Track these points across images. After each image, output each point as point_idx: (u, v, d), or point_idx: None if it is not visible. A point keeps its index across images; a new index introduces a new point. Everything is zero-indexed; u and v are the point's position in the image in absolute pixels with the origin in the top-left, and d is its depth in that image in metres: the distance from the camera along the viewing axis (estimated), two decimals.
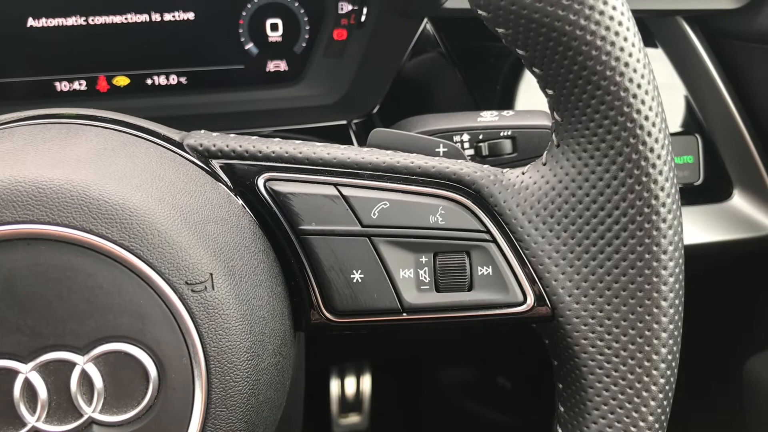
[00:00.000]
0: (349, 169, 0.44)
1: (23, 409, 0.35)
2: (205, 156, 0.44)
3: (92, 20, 0.76)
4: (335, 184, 0.43)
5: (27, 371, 0.35)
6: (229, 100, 0.81)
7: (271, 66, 0.82)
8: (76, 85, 0.78)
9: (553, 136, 0.43)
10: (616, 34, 0.39)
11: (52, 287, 0.35)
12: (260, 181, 0.43)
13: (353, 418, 1.34)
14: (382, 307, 0.43)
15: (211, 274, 0.37)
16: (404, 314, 0.43)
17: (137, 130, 0.43)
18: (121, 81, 0.79)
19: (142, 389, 0.36)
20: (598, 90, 0.40)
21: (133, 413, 0.36)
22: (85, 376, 0.36)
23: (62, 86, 0.78)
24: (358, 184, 0.43)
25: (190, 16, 0.78)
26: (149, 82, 0.79)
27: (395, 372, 1.34)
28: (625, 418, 0.42)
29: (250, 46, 0.80)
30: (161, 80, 0.80)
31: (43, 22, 0.75)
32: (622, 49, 0.39)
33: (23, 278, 0.35)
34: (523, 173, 0.44)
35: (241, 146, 0.44)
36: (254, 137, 0.45)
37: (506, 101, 0.79)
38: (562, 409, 0.45)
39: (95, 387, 0.36)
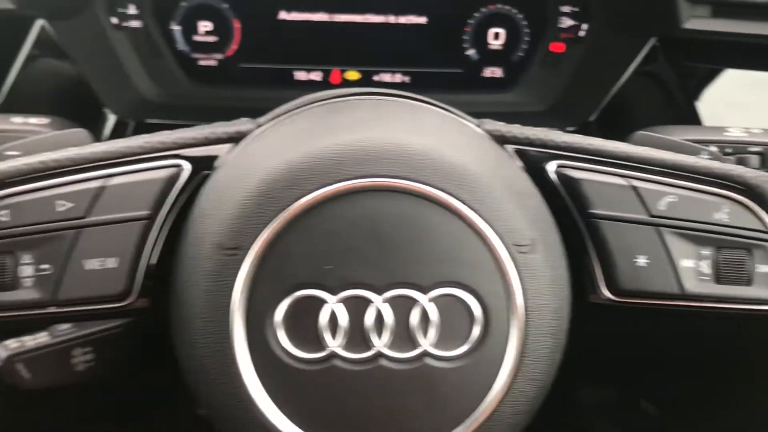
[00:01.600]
0: (637, 163, 0.48)
1: (373, 335, 0.41)
2: (500, 141, 0.49)
3: (335, 17, 0.84)
4: (626, 176, 0.47)
5: (379, 302, 0.41)
6: (446, 101, 0.87)
7: (488, 72, 0.87)
8: (312, 76, 0.86)
9: None
10: None
11: (407, 234, 0.41)
12: (550, 167, 0.48)
13: None
14: (664, 291, 0.46)
15: (534, 239, 0.42)
16: (684, 300, 0.46)
17: (453, 114, 0.49)
18: (352, 75, 0.86)
19: (468, 331, 0.42)
20: None
21: (459, 351, 0.41)
22: (424, 313, 0.41)
23: (300, 75, 0.86)
24: (647, 178, 0.47)
25: (423, 20, 0.85)
26: (376, 78, 0.86)
27: None
28: None
29: (471, 52, 0.86)
30: (387, 77, 0.86)
31: (293, 15, 0.84)
32: None
33: (386, 224, 0.41)
34: None
35: (533, 134, 0.49)
36: (538, 128, 0.51)
37: (704, 120, 0.81)
38: None
39: (432, 324, 0.41)
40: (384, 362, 0.41)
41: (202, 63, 0.84)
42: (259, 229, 0.41)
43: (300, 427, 0.41)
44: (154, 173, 0.46)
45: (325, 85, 0.86)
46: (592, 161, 0.48)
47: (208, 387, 0.42)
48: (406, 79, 0.87)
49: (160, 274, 0.45)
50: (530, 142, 0.49)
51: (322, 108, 0.47)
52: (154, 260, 0.45)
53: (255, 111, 0.86)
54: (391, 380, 0.41)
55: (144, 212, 0.45)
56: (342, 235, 0.41)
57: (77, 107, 0.73)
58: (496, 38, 0.86)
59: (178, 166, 0.46)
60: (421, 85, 0.87)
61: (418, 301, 0.41)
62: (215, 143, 0.48)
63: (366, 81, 0.86)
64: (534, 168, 0.49)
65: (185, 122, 0.81)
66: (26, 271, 0.44)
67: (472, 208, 0.41)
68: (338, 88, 0.86)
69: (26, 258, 0.44)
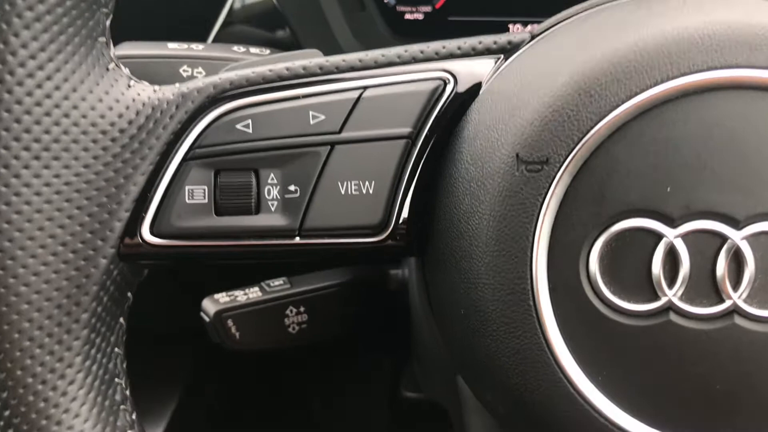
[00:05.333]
0: None
1: (727, 284, 0.31)
2: None
3: None
4: None
5: (738, 239, 0.31)
6: None
7: None
8: (529, 29, 0.77)
9: None
10: None
11: None
12: None
13: None
14: None
15: None
16: None
17: None
18: None
19: None
20: None
21: None
22: None
23: (515, 29, 0.77)
24: None
25: None
26: None
27: None
28: None
29: None
30: None
31: None
32: None
33: (750, 133, 0.30)
34: None
35: None
36: None
37: None
38: None
39: None
40: (740, 320, 0.31)
41: (408, 17, 0.76)
42: (575, 136, 0.31)
43: (617, 400, 0.32)
44: (416, 86, 0.38)
45: None
46: None
47: (491, 341, 0.33)
48: None
49: (420, 207, 0.37)
50: None
51: (624, 3, 0.37)
52: (413, 188, 0.37)
53: None
54: (750, 344, 0.31)
55: (405, 130, 0.37)
56: (688, 148, 0.31)
57: None
58: None
59: (441, 79, 0.38)
60: None
61: None
62: (482, 55, 0.39)
63: None
64: None
65: None
66: (271, 192, 0.37)
67: None
68: None
69: (271, 177, 0.37)
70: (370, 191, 0.37)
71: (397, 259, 0.56)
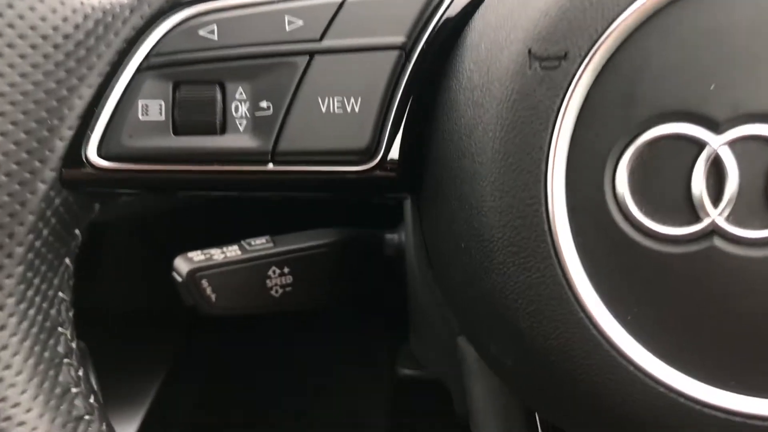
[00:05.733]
0: None
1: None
2: None
3: None
4: None
5: None
6: None
7: None
8: None
9: None
10: None
11: None
12: None
13: None
14: None
15: None
16: None
17: None
18: None
19: None
20: None
21: None
22: None
23: None
24: None
25: None
26: None
27: None
28: None
29: None
30: None
31: None
32: None
33: None
34: None
35: None
36: None
37: None
38: None
39: None
40: None
41: None
42: (599, 26, 0.26)
43: (648, 343, 0.26)
44: None
45: None
46: None
47: (497, 276, 0.28)
48: None
49: (415, 130, 0.32)
50: None
51: None
52: (408, 108, 0.32)
53: None
54: None
55: (398, 39, 0.32)
56: (734, 37, 0.25)
57: None
58: None
59: None
60: None
61: None
62: None
63: None
64: None
65: None
66: (239, 109, 0.32)
67: None
68: None
69: (239, 92, 0.32)
70: (356, 109, 0.32)
71: (388, 198, 0.51)
